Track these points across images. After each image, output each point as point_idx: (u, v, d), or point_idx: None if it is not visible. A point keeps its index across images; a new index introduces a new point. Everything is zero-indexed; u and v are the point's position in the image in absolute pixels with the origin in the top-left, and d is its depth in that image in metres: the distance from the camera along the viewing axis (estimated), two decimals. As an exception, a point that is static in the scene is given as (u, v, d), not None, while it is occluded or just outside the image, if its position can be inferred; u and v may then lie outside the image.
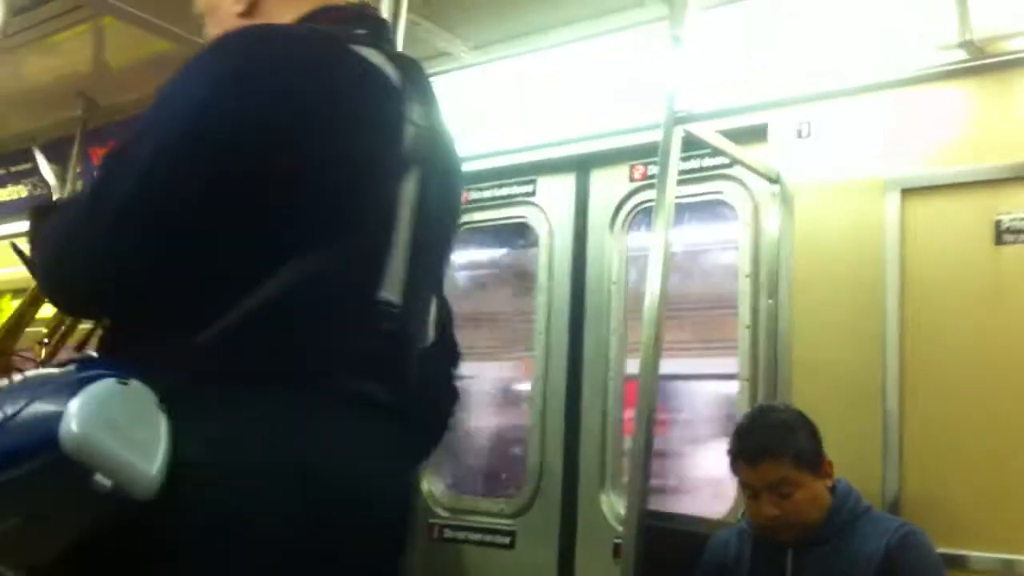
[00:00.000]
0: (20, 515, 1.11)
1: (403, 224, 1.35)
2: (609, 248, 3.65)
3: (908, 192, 2.87)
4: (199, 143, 1.22)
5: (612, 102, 3.46)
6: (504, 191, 4.00)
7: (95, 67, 4.19)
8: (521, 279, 4.17)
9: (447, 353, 1.51)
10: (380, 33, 1.46)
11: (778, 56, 3.08)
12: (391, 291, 1.32)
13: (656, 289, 2.69)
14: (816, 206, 3.05)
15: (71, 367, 1.17)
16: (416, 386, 1.36)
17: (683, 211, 3.35)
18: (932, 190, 2.84)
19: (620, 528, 3.13)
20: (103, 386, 1.12)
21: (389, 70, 1.38)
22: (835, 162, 3.05)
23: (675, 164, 2.76)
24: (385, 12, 2.13)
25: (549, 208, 3.86)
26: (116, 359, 1.22)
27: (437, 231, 1.45)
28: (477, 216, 4.09)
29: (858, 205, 2.96)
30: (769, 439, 2.46)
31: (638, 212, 3.61)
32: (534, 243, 3.90)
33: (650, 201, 3.08)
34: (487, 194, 4.05)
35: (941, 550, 2.43)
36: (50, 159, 4.83)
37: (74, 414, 1.08)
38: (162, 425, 1.15)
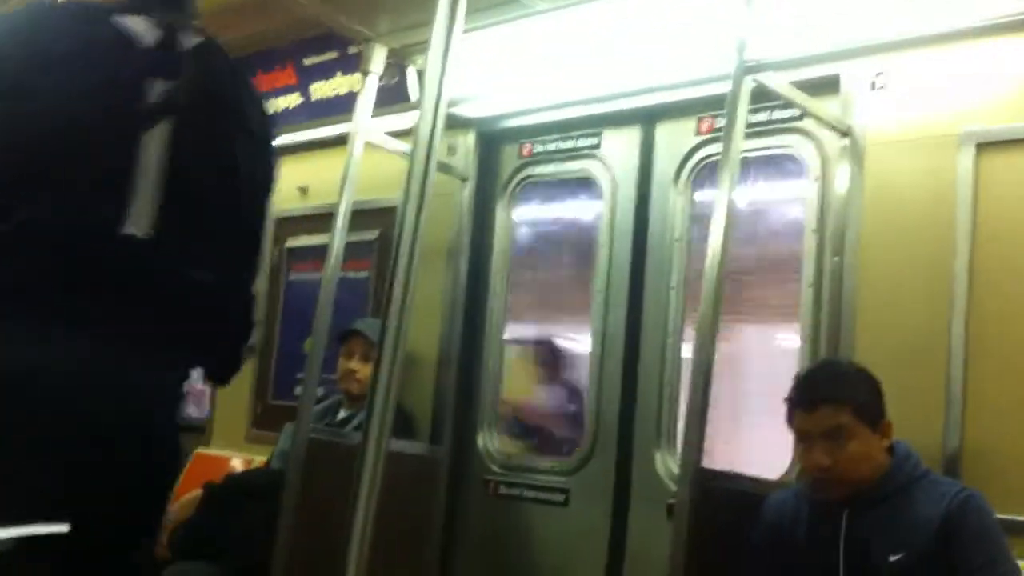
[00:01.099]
0: None
1: (149, 169, 1.62)
2: (673, 204, 3.58)
3: (983, 147, 2.75)
4: None
5: (680, 52, 3.37)
6: (568, 144, 3.96)
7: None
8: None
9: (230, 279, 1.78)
10: (162, 4, 1.73)
11: (851, 4, 2.97)
12: (136, 227, 1.60)
13: (718, 247, 2.64)
14: (887, 160, 2.95)
15: None
16: (163, 307, 1.63)
17: (750, 166, 3.29)
18: (1009, 144, 2.72)
19: (674, 487, 3.10)
20: None
21: (146, 36, 1.68)
22: (908, 115, 2.93)
23: (743, 116, 2.69)
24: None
25: (613, 162, 3.80)
26: None
27: (207, 172, 1.71)
28: (539, 170, 4.06)
29: (931, 160, 2.85)
30: (829, 385, 2.44)
31: (704, 167, 3.54)
32: (598, 197, 3.86)
33: (717, 155, 3.01)
34: (551, 147, 4.01)
35: (1001, 515, 2.35)
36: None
37: None
38: None
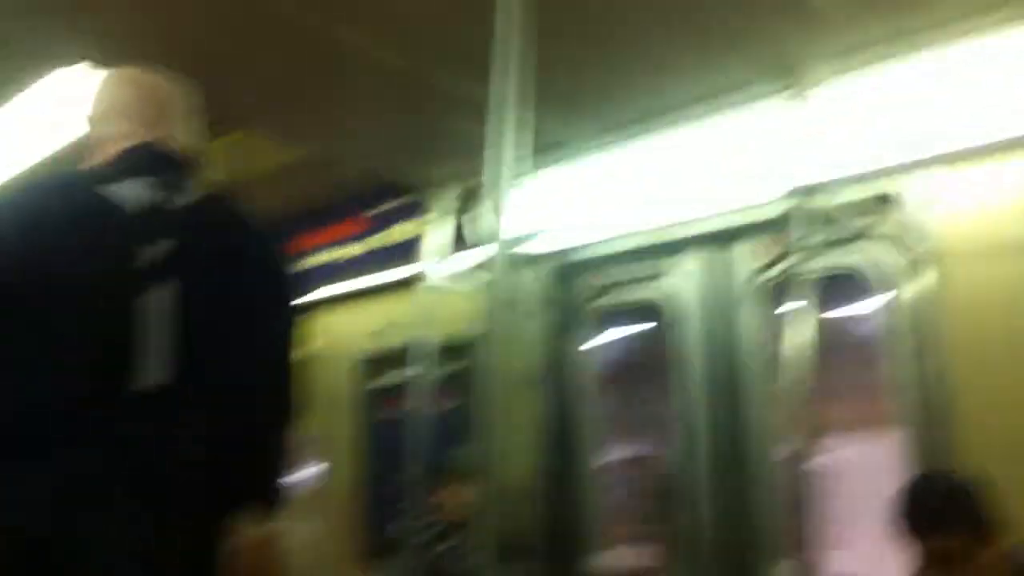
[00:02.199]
0: None
1: (150, 328, 1.65)
2: (744, 325, 3.57)
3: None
4: None
5: (739, 178, 3.41)
6: (634, 272, 3.98)
7: (234, 179, 4.41)
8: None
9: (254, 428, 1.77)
10: (157, 167, 1.80)
11: (901, 121, 2.99)
12: (141, 383, 1.63)
13: (800, 364, 2.61)
14: (959, 267, 2.92)
15: None
16: (182, 457, 1.65)
17: (819, 282, 3.27)
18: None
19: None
20: None
21: (130, 203, 1.72)
22: (972, 224, 2.92)
23: (803, 238, 2.70)
24: (502, 105, 2.17)
25: (680, 287, 3.81)
26: None
27: (209, 326, 1.72)
28: (608, 299, 4.08)
29: (1009, 267, 2.82)
30: (936, 509, 2.35)
31: (772, 287, 3.52)
32: (669, 324, 3.86)
33: (782, 275, 3.01)
34: (618, 276, 4.04)
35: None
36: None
37: None
38: None
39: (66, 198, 1.72)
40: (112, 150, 1.86)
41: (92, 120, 1.95)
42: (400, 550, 3.41)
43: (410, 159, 3.49)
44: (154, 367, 1.65)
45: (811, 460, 2.56)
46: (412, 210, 4.10)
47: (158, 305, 1.67)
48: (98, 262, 1.68)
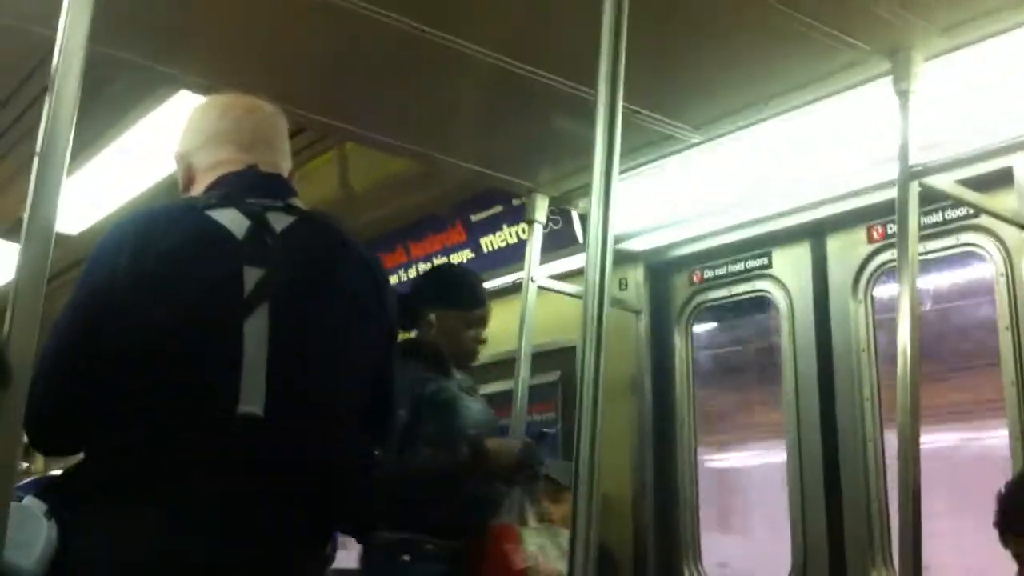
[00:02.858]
0: None
1: (255, 351, 1.69)
2: (854, 314, 3.52)
3: None
4: (71, 324, 1.71)
5: (843, 164, 3.37)
6: (739, 266, 3.96)
7: (343, 192, 4.52)
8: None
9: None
10: (258, 190, 1.84)
11: (1016, 96, 2.90)
12: (249, 405, 1.67)
13: (908, 351, 2.57)
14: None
15: (30, 479, 1.78)
16: (287, 476, 1.70)
17: (930, 266, 3.21)
18: None
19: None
20: None
21: (236, 227, 1.76)
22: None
23: (915, 221, 2.64)
24: (602, 105, 2.18)
25: (787, 278, 3.77)
26: (60, 476, 1.77)
27: (313, 349, 1.77)
28: (712, 294, 4.06)
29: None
30: None
31: (881, 273, 3.47)
32: (775, 315, 3.82)
33: (892, 262, 2.95)
34: (722, 271, 4.02)
35: None
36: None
37: None
38: (43, 529, 1.63)
39: (177, 223, 1.77)
40: (213, 177, 1.91)
41: (190, 151, 1.99)
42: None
43: (514, 163, 3.53)
44: (254, 391, 1.69)
45: (916, 458, 2.50)
46: (516, 215, 4.15)
47: (259, 328, 1.71)
48: (210, 287, 1.72)
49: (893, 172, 2.68)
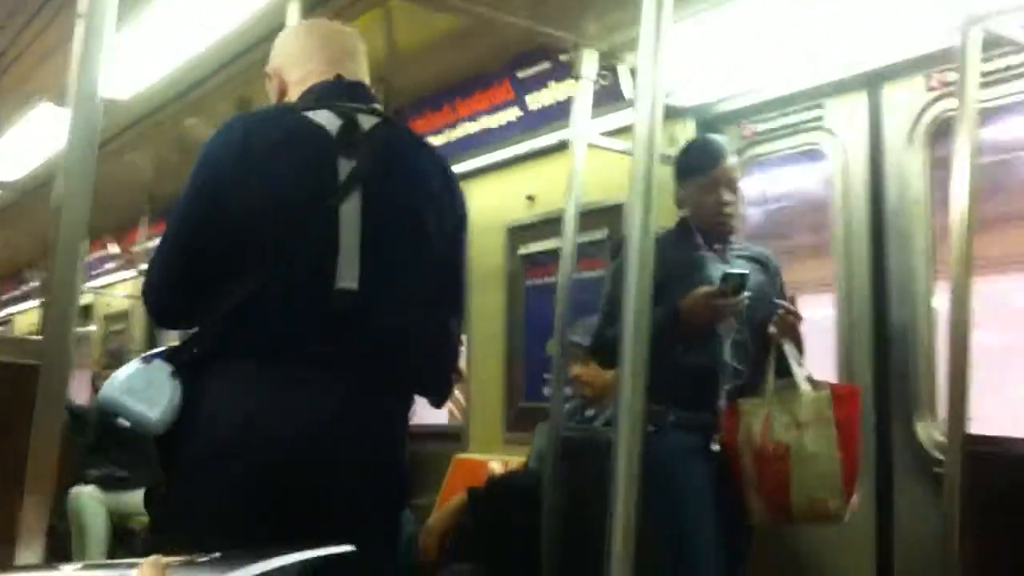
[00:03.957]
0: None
1: (349, 233, 1.94)
2: (908, 166, 3.45)
3: None
4: (187, 211, 1.96)
5: (899, 9, 3.24)
6: (791, 119, 3.88)
7: (389, 50, 4.47)
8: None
9: (427, 314, 2.06)
10: (346, 95, 2.08)
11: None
12: (346, 280, 1.92)
13: (963, 205, 2.54)
14: None
15: (155, 351, 2.01)
16: (377, 346, 1.95)
17: (991, 115, 3.12)
18: None
19: (940, 457, 2.99)
20: (132, 364, 1.97)
21: (329, 125, 1.99)
22: None
23: (976, 68, 2.57)
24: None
25: (840, 130, 3.70)
26: (182, 346, 2.00)
27: (398, 233, 2.01)
28: (763, 148, 4.00)
29: None
30: None
31: (940, 124, 3.38)
32: (828, 169, 3.76)
33: (953, 111, 2.88)
34: (773, 124, 3.95)
35: None
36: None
37: (106, 384, 1.97)
38: (168, 387, 1.91)
39: (277, 123, 2.02)
40: (304, 87, 2.14)
41: (282, 66, 2.22)
42: (550, 417, 3.53)
43: (559, 17, 3.46)
44: (349, 267, 1.93)
45: (968, 308, 2.50)
46: (563, 71, 4.08)
47: (352, 212, 1.96)
48: (309, 175, 1.96)
49: (954, 17, 2.59)
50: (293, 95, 2.16)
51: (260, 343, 1.90)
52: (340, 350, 1.92)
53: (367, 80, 2.23)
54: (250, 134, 1.97)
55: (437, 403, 2.23)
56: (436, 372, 2.16)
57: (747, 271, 2.91)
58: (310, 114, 2.02)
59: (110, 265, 9.05)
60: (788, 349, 2.93)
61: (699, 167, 3.11)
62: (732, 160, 3.12)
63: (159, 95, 4.92)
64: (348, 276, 1.93)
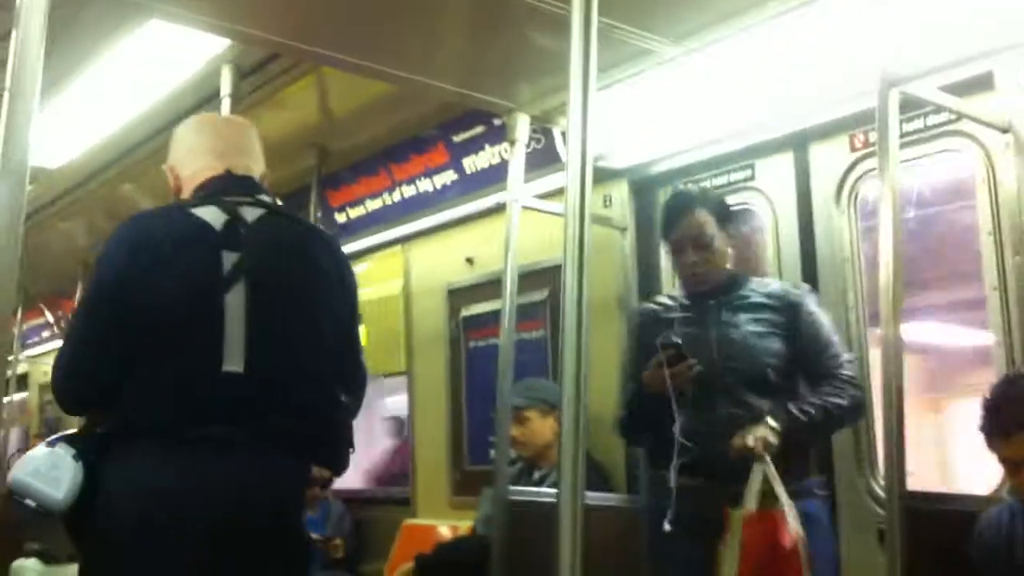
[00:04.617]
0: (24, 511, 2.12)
1: (234, 320, 2.09)
2: (837, 223, 3.53)
3: None
4: (91, 305, 2.15)
5: (823, 73, 3.33)
6: (722, 179, 3.95)
7: (323, 116, 4.48)
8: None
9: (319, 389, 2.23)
10: (232, 190, 2.24)
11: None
12: (232, 364, 2.07)
13: (890, 259, 2.59)
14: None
15: (61, 434, 2.17)
16: (265, 421, 2.09)
17: (912, 174, 3.21)
18: None
19: (881, 512, 3.01)
20: (37, 450, 2.13)
21: (214, 220, 2.15)
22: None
23: (896, 128, 2.65)
24: (576, 19, 2.16)
25: (770, 190, 3.78)
26: (77, 431, 2.19)
27: (284, 317, 2.16)
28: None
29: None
30: (1021, 409, 2.31)
31: (864, 182, 3.47)
32: (759, 229, 3.83)
33: (875, 169, 2.96)
34: (705, 184, 4.01)
35: None
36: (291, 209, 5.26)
37: (15, 467, 2.11)
38: (71, 469, 2.07)
39: (165, 221, 2.18)
40: (196, 182, 2.29)
41: (177, 163, 2.37)
42: (495, 481, 3.52)
43: (494, 82, 3.48)
44: (234, 353, 2.08)
45: (900, 365, 2.55)
46: (498, 134, 4.12)
47: (237, 301, 2.10)
48: (195, 270, 2.11)
49: (873, 81, 2.67)
50: (187, 190, 2.31)
51: (158, 424, 2.05)
52: (233, 428, 2.06)
53: (258, 169, 2.37)
54: (141, 234, 2.15)
55: (335, 469, 2.37)
56: (330, 444, 2.28)
57: (678, 340, 2.89)
58: (197, 211, 2.17)
59: (45, 333, 8.90)
60: (761, 468, 2.72)
61: (664, 234, 3.18)
62: (693, 217, 3.07)
63: (92, 162, 4.86)
64: (234, 360, 2.08)
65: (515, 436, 3.88)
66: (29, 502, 2.08)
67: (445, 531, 4.58)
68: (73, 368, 2.15)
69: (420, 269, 5.16)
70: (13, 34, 1.88)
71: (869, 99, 2.80)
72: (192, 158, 2.35)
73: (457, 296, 4.93)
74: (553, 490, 3.53)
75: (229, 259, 2.12)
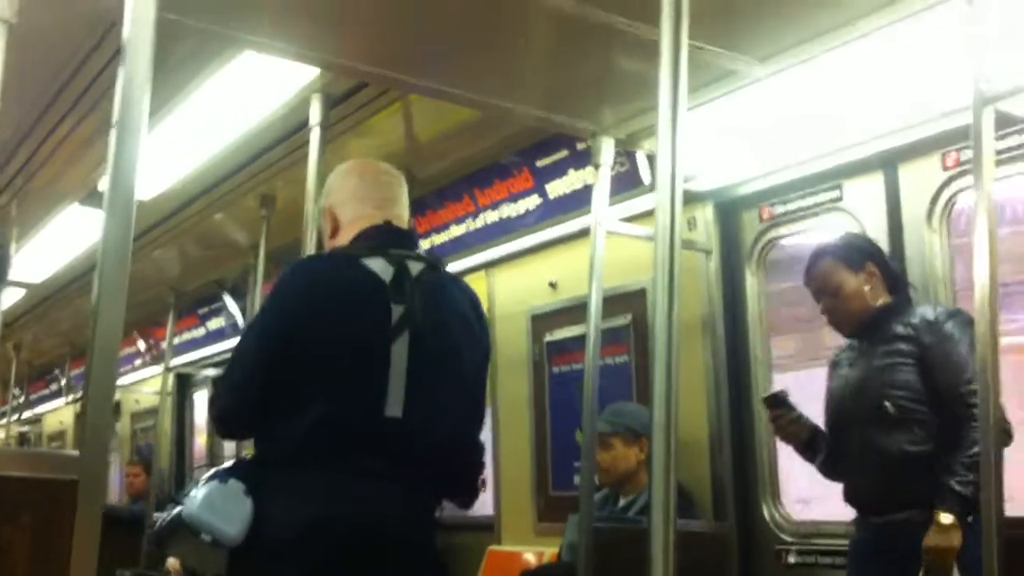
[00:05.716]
0: (188, 548, 2.33)
1: (398, 369, 2.25)
2: (929, 244, 3.46)
3: None
4: (264, 341, 2.30)
5: (914, 91, 3.29)
6: (809, 200, 3.91)
7: (409, 142, 4.54)
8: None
9: (459, 436, 2.41)
10: (395, 242, 2.39)
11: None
12: (393, 409, 2.24)
13: (985, 281, 2.52)
14: None
15: (224, 466, 2.32)
16: (416, 461, 2.27)
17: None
18: None
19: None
20: (211, 484, 2.23)
21: (383, 272, 2.31)
22: None
23: (991, 146, 2.59)
24: (666, 42, 2.16)
25: (859, 211, 3.72)
26: (245, 460, 2.37)
27: (437, 366, 2.32)
28: (782, 231, 4.02)
29: None
30: None
31: (957, 202, 3.40)
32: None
33: (968, 188, 2.90)
34: (792, 207, 3.97)
35: None
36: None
37: (190, 500, 2.23)
38: (244, 504, 2.20)
39: (338, 270, 2.35)
40: (356, 229, 2.43)
41: (335, 205, 2.51)
42: (580, 507, 3.50)
43: (578, 106, 3.51)
44: (396, 398, 2.25)
45: (997, 385, 2.48)
46: (582, 158, 4.14)
47: (401, 351, 2.27)
48: (367, 318, 2.27)
49: (966, 98, 2.61)
50: (345, 234, 2.46)
51: (323, 457, 2.21)
52: (387, 463, 2.23)
53: (410, 221, 2.54)
54: (317, 279, 2.34)
55: (467, 503, 2.51)
56: (467, 478, 2.47)
57: (781, 389, 3.17)
58: (366, 261, 2.32)
59: (138, 362, 9.11)
60: None
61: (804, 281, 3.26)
62: (816, 268, 3.18)
63: (183, 193, 5.00)
64: (395, 406, 2.25)
65: (598, 462, 3.86)
66: (205, 536, 2.19)
67: (530, 557, 4.56)
68: (243, 399, 2.31)
69: (503, 294, 5.18)
70: (120, 70, 1.96)
71: (961, 117, 2.75)
72: (354, 204, 2.49)
73: (540, 321, 4.95)
74: (641, 517, 3.55)
75: (396, 310, 2.28)
